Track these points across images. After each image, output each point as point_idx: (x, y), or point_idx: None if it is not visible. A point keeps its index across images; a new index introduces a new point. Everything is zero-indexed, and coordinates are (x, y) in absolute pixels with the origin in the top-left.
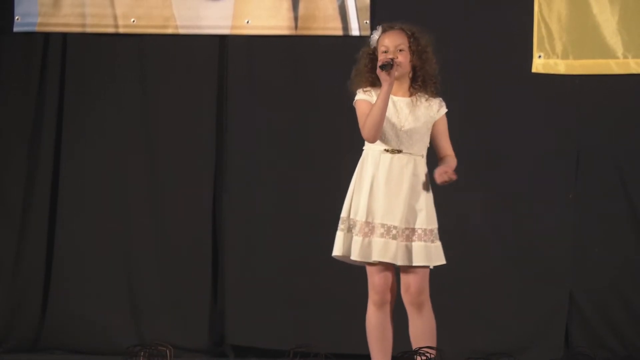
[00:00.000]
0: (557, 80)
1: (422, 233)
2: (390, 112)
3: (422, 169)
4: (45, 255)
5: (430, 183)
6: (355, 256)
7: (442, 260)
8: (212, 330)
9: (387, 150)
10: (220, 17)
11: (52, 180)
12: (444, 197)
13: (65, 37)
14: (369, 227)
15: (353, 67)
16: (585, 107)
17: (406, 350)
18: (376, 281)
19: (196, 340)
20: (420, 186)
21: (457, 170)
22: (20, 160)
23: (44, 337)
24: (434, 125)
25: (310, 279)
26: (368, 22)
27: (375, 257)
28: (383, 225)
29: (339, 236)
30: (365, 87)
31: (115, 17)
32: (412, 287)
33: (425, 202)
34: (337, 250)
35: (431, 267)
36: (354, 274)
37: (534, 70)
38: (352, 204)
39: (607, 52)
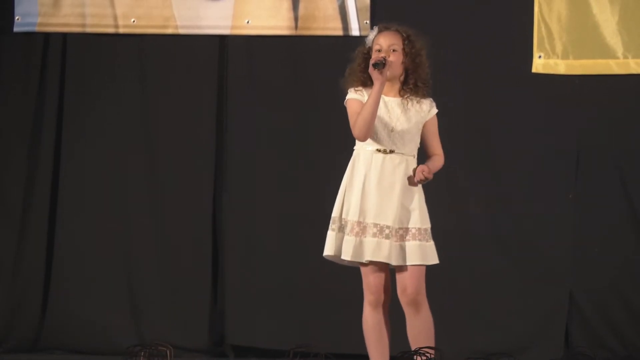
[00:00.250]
0: (557, 80)
1: (417, 232)
2: (381, 112)
3: (414, 169)
4: (45, 255)
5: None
6: (347, 256)
7: (435, 260)
8: (212, 330)
9: (379, 150)
10: (220, 17)
11: (52, 180)
12: (445, 197)
13: (65, 37)
14: (361, 227)
15: (348, 65)
16: (585, 107)
17: (405, 350)
18: (371, 281)
19: (196, 340)
20: (412, 185)
21: (457, 169)
22: (20, 160)
23: (44, 337)
24: (424, 126)
25: (310, 279)
26: (368, 22)
27: (368, 257)
28: (375, 225)
29: (330, 236)
30: (357, 86)
31: (115, 17)
32: (409, 287)
33: (418, 202)
34: (328, 250)
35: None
36: (353, 274)
37: (534, 70)
38: (344, 203)
39: (607, 52)
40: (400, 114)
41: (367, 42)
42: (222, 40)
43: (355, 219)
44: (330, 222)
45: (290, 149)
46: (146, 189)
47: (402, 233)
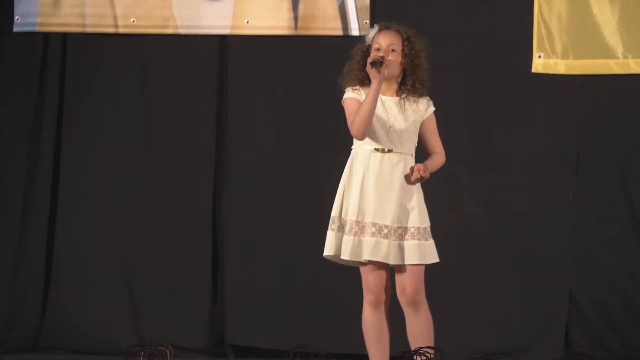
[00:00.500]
0: (557, 80)
1: (416, 231)
2: (379, 111)
3: (412, 168)
4: (45, 255)
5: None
6: (346, 256)
7: (435, 259)
8: (212, 330)
9: (377, 150)
10: (220, 17)
11: (52, 180)
12: (445, 197)
13: (65, 37)
14: (359, 227)
15: (347, 63)
16: (585, 107)
17: (405, 350)
18: (370, 281)
19: (196, 340)
20: (410, 185)
21: (457, 170)
22: (20, 160)
23: (44, 337)
24: (422, 124)
25: (310, 279)
26: (368, 22)
27: (367, 257)
28: (374, 225)
29: (330, 236)
30: (355, 84)
31: (115, 17)
32: (408, 287)
33: (417, 201)
34: (328, 250)
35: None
36: (353, 274)
37: (534, 70)
38: (343, 203)
39: (607, 52)
40: (398, 113)
41: (366, 40)
42: (222, 40)
43: (354, 218)
44: (330, 222)
45: (290, 149)
46: (146, 189)
47: (401, 232)
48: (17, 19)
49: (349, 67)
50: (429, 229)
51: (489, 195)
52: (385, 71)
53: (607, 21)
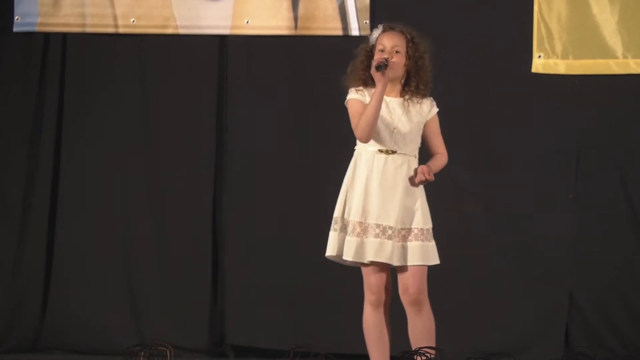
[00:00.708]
0: (557, 80)
1: (419, 233)
2: (383, 112)
3: (415, 169)
4: (45, 255)
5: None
6: (349, 256)
7: (436, 260)
8: (212, 330)
9: (381, 151)
10: (220, 17)
11: (52, 180)
12: (445, 197)
13: (65, 37)
14: (362, 228)
15: (350, 62)
16: (585, 107)
17: (405, 350)
18: (372, 281)
19: (196, 340)
20: (414, 186)
21: (457, 170)
22: (20, 160)
23: (44, 337)
24: (426, 125)
25: (310, 279)
26: (368, 22)
27: (370, 258)
28: (378, 226)
29: (332, 236)
30: (358, 85)
31: (115, 17)
32: (411, 287)
33: (420, 202)
34: (330, 251)
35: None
36: (353, 274)
37: (534, 70)
38: (346, 204)
39: (607, 52)
40: (402, 114)
41: (370, 40)
42: (222, 40)
43: (357, 219)
44: (332, 222)
45: (290, 149)
46: (146, 189)
47: (404, 233)
48: (17, 19)
49: (353, 67)
50: (431, 230)
51: (489, 195)
52: (390, 73)
53: (607, 21)
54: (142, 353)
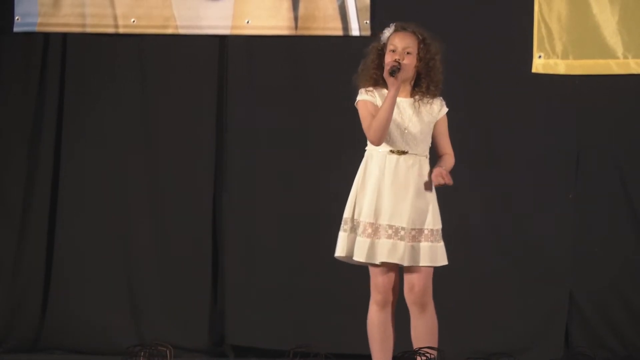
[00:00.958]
0: (557, 80)
1: (429, 233)
2: (394, 113)
3: (427, 170)
4: (45, 255)
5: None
6: (361, 258)
7: (444, 261)
8: (212, 330)
9: (392, 152)
10: (220, 17)
11: (52, 180)
12: (445, 197)
13: (65, 37)
14: (373, 228)
15: (361, 60)
16: (585, 107)
17: (407, 350)
18: (380, 281)
19: (196, 340)
20: (425, 186)
21: (457, 170)
22: (20, 160)
23: (44, 337)
24: (435, 125)
25: (310, 279)
26: (368, 22)
27: (382, 259)
28: (390, 227)
29: (342, 237)
30: (370, 83)
31: (115, 17)
32: (416, 286)
33: (431, 203)
34: (339, 251)
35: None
36: (353, 274)
37: (534, 70)
38: (356, 204)
39: (607, 52)
40: (413, 114)
41: (382, 39)
42: (222, 40)
43: (369, 220)
44: (342, 222)
45: (290, 149)
46: (146, 189)
47: (414, 234)
48: (17, 19)
49: (364, 65)
50: (440, 231)
51: (489, 195)
52: (401, 75)
53: (607, 21)
54: (142, 353)
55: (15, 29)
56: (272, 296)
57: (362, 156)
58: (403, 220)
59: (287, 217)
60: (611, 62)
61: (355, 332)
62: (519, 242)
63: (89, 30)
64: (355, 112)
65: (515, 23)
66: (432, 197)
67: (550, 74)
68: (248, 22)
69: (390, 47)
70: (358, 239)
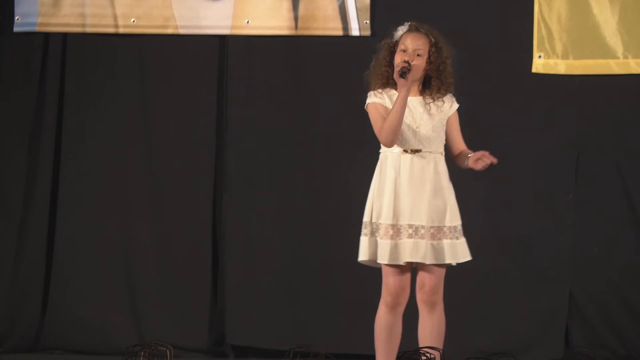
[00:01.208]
0: (557, 80)
1: (448, 231)
2: (405, 112)
3: (443, 166)
4: (45, 255)
5: (450, 179)
6: (384, 260)
7: (467, 257)
8: (212, 330)
9: (406, 151)
10: (220, 17)
11: (52, 180)
12: None
13: (65, 37)
14: (395, 230)
15: (373, 57)
16: (585, 107)
17: (410, 349)
18: (390, 282)
19: (196, 340)
20: (442, 183)
21: (457, 169)
22: (20, 160)
23: (44, 337)
24: (447, 122)
25: (310, 279)
26: (368, 22)
27: (406, 259)
28: (411, 226)
29: (364, 241)
30: (381, 81)
31: (115, 17)
32: (427, 285)
33: (449, 199)
34: (362, 255)
35: (454, 264)
36: (354, 274)
37: (534, 70)
38: (374, 207)
39: (607, 52)
40: (423, 112)
41: (394, 36)
42: (222, 40)
43: (389, 222)
44: (362, 226)
45: (290, 149)
46: (146, 189)
47: (433, 232)
48: (17, 19)
49: (376, 61)
50: (460, 227)
51: (489, 195)
52: (409, 76)
53: (607, 21)
54: (142, 353)
55: (15, 29)
56: (272, 296)
57: (363, 156)
58: (422, 219)
59: (287, 217)
60: (611, 62)
61: (356, 332)
62: (519, 242)
63: (89, 30)
64: (355, 112)
65: (515, 23)
66: (450, 193)
67: (550, 74)
68: (248, 22)
69: (401, 46)
70: (380, 241)
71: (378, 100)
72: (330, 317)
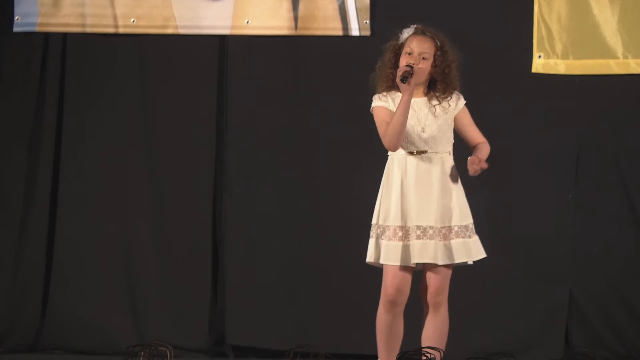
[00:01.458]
0: (557, 80)
1: (459, 230)
2: (410, 114)
3: (450, 166)
4: (45, 255)
5: (459, 178)
6: (396, 262)
7: (482, 254)
8: (212, 330)
9: (412, 153)
10: (220, 17)
11: (52, 180)
12: None
13: (65, 37)
14: (403, 231)
15: (379, 58)
16: (585, 107)
17: (411, 349)
18: (389, 283)
19: (196, 340)
20: (450, 183)
21: (458, 170)
22: (20, 160)
23: (44, 337)
24: (456, 119)
25: (310, 279)
26: (368, 22)
27: (416, 260)
28: (419, 227)
29: (372, 243)
30: (386, 83)
31: (115, 17)
32: (432, 286)
33: (458, 198)
34: (370, 257)
35: (470, 262)
36: (354, 274)
37: (534, 70)
38: (381, 210)
39: (607, 52)
40: (428, 113)
41: (400, 38)
42: (222, 40)
43: (398, 223)
44: (371, 228)
45: (290, 149)
46: (146, 189)
47: (445, 232)
48: (17, 19)
49: (381, 63)
50: (471, 225)
51: (489, 194)
52: (413, 79)
53: (607, 21)
54: (142, 353)
55: (15, 29)
56: (272, 296)
57: (363, 156)
58: (430, 220)
59: (287, 217)
60: (611, 62)
61: (356, 332)
62: (519, 242)
63: (89, 30)
64: (355, 112)
65: (515, 23)
66: (458, 192)
67: (550, 74)
68: (248, 22)
69: (406, 49)
70: (389, 243)
71: (382, 104)
72: (330, 317)
